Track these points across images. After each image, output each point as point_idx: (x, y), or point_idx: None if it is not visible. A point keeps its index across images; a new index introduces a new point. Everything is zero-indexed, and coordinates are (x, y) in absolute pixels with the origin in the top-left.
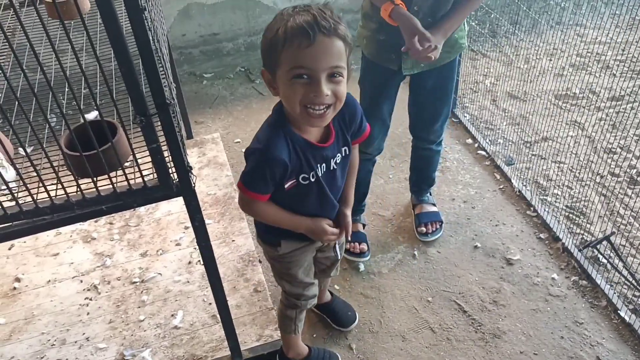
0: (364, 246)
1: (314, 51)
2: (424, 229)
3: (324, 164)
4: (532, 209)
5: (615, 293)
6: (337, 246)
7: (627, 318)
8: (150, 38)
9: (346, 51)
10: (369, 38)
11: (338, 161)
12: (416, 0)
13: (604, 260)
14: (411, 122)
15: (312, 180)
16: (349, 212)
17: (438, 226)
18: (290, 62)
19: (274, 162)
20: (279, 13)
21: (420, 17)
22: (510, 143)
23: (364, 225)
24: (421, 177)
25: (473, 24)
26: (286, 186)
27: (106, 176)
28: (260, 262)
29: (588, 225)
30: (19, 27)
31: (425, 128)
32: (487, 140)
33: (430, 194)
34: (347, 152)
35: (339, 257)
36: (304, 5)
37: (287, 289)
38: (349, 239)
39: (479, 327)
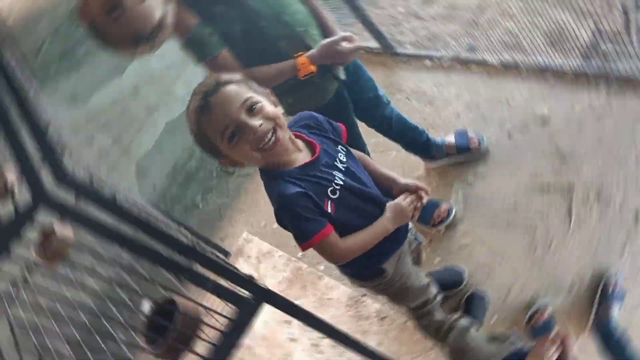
0: (446, 204)
1: (217, 111)
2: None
3: (335, 171)
4: None
5: None
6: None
7: None
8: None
9: (242, 84)
10: (309, 95)
11: (343, 159)
12: (298, 22)
13: None
14: (364, 114)
15: (339, 187)
16: (405, 180)
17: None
18: (214, 134)
19: (298, 198)
20: None
21: (303, 34)
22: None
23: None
24: (415, 133)
25: None
26: (329, 211)
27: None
28: (365, 295)
29: None
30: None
31: (377, 102)
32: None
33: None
34: (346, 149)
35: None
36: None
37: (412, 305)
38: (429, 192)
39: None
